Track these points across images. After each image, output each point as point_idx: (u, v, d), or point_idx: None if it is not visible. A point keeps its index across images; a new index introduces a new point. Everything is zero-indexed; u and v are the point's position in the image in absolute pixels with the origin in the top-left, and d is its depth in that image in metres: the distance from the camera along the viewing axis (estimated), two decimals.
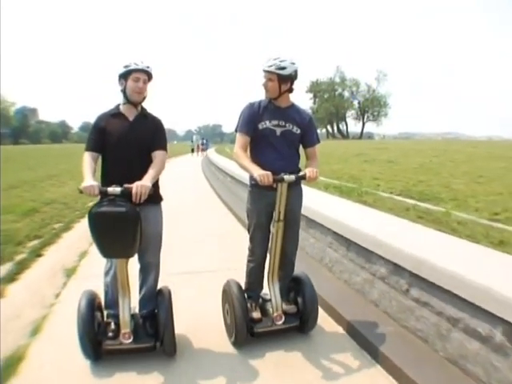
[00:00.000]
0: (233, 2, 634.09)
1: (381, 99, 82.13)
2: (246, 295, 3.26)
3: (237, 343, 3.12)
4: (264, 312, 3.28)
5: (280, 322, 3.12)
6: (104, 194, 2.66)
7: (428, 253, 3.07)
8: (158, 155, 2.94)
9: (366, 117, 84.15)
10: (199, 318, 3.60)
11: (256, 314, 3.20)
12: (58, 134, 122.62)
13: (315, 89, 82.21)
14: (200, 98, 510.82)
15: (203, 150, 36.56)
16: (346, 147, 27.13)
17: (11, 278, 4.63)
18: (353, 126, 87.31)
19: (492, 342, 2.43)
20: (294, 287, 3.36)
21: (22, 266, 5.05)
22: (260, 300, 3.41)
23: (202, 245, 6.20)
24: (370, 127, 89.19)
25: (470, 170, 11.65)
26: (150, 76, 2.94)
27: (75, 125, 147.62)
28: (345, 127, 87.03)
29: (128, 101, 2.94)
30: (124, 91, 2.92)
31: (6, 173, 15.21)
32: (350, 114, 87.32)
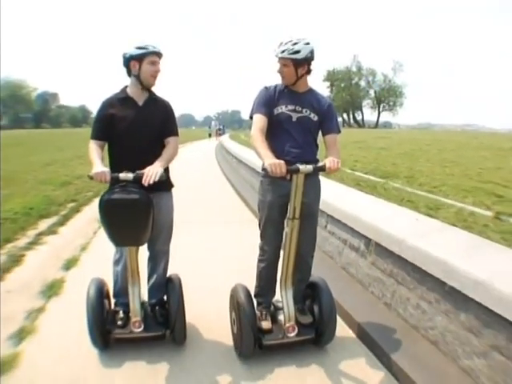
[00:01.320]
0: None
1: (397, 89, 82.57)
2: (255, 301, 3.03)
3: (242, 356, 2.88)
4: (275, 321, 3.00)
5: (293, 334, 2.82)
6: (116, 181, 2.58)
7: (342, 203, 4.68)
8: (171, 141, 2.90)
9: (381, 106, 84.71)
10: (207, 305, 3.61)
11: (266, 324, 2.92)
12: (79, 118, 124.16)
13: (332, 78, 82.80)
14: (219, 83, 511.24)
15: (220, 134, 41.14)
16: (351, 135, 28.41)
17: (61, 223, 6.44)
18: (370, 115, 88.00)
19: (359, 250, 4.04)
20: (310, 294, 3.09)
21: (66, 218, 6.86)
22: (271, 307, 3.14)
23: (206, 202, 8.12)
24: (389, 117, 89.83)
25: (449, 157, 12.97)
26: (161, 58, 2.87)
27: (95, 109, 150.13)
28: (361, 116, 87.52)
29: (142, 85, 2.83)
30: (138, 75, 2.79)
31: (40, 153, 17.51)
32: (366, 104, 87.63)
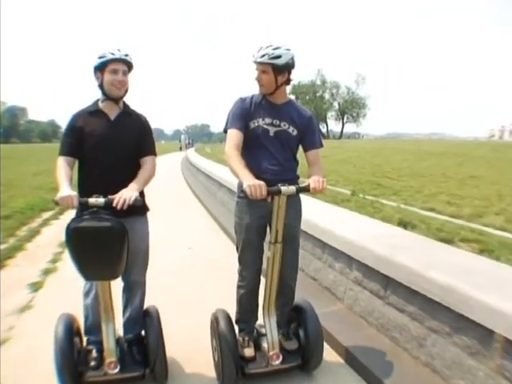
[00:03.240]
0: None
1: (360, 101, 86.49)
2: (237, 328, 2.90)
3: None
4: (258, 348, 2.86)
5: (277, 362, 2.70)
6: (85, 206, 2.32)
7: None
8: (147, 161, 2.67)
9: (345, 118, 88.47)
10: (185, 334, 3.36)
11: (248, 352, 2.78)
12: (48, 132, 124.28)
13: (297, 91, 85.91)
14: (189, 98, 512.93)
15: (190, 147, 44.30)
16: None
17: (59, 213, 8.68)
18: (335, 126, 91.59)
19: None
20: (295, 317, 2.96)
21: (62, 211, 9.05)
22: (254, 333, 2.98)
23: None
24: (354, 128, 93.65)
25: (377, 161, 15.78)
26: (130, 66, 2.60)
27: (64, 124, 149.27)
28: (325, 128, 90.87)
29: (107, 97, 2.61)
30: (101, 86, 2.57)
31: (27, 165, 19.79)
32: (331, 115, 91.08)
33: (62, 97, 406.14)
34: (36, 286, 4.52)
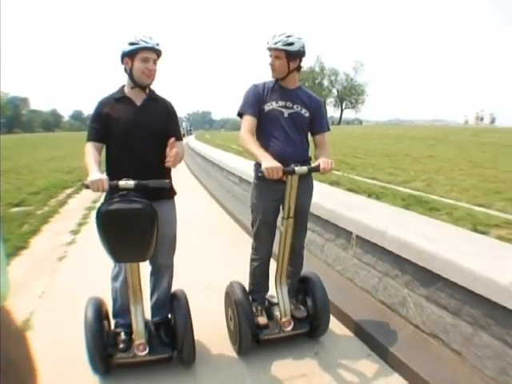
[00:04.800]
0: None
1: (358, 88, 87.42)
2: (250, 298, 3.05)
3: (241, 352, 2.93)
4: (270, 316, 3.04)
5: (289, 328, 2.90)
6: (115, 189, 2.33)
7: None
8: (176, 146, 2.57)
9: (344, 104, 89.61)
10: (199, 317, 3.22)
11: (262, 320, 2.96)
12: (51, 122, 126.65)
13: None
14: (190, 85, 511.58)
15: (190, 134, 46.62)
16: None
17: (78, 189, 10.39)
18: (333, 112, 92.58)
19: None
20: (303, 288, 3.15)
21: (71, 194, 10.73)
22: (266, 303, 3.18)
23: None
24: (363, 115, 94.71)
25: (355, 143, 17.35)
26: (159, 55, 2.60)
27: (66, 113, 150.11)
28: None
29: (135, 84, 2.60)
30: (130, 73, 2.56)
31: (39, 152, 21.68)
32: (329, 102, 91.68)
33: (63, 86, 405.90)
34: (75, 232, 6.33)
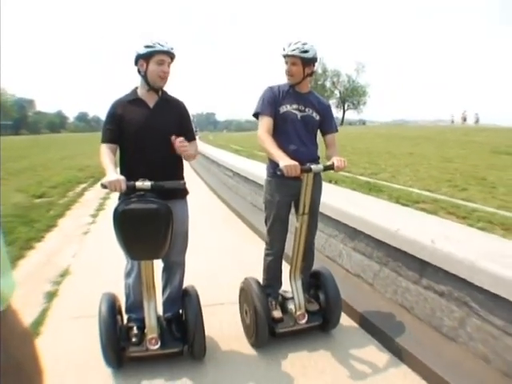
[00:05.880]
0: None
1: (360, 89, 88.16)
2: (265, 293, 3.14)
3: (257, 345, 3.04)
4: (284, 310, 3.16)
5: (303, 322, 3.02)
6: (131, 190, 2.41)
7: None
8: (191, 145, 2.78)
9: (346, 105, 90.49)
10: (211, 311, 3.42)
11: (277, 313, 3.08)
12: (56, 123, 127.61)
13: None
14: (194, 85, 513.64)
15: (196, 135, 47.92)
16: None
17: (92, 184, 11.65)
18: (336, 113, 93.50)
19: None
20: (315, 283, 3.29)
21: (93, 182, 12.02)
22: (279, 297, 3.28)
23: None
24: (367, 115, 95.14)
25: (346, 142, 18.44)
26: (173, 58, 2.68)
27: (71, 115, 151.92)
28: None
29: (150, 86, 2.67)
30: (145, 75, 2.62)
31: (51, 152, 23.10)
32: (332, 103, 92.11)
33: (68, 88, 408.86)
34: (94, 216, 7.62)
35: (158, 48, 2.56)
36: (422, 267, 3.21)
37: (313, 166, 2.77)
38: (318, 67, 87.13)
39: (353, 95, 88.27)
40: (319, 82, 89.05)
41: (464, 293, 2.80)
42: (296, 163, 2.67)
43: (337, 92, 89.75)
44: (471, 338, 2.74)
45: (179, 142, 2.59)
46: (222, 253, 5.35)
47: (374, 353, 3.04)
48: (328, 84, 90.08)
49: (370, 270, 3.91)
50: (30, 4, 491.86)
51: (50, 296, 3.98)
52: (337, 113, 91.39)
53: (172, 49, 2.63)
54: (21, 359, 1.15)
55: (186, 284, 3.03)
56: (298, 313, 3.02)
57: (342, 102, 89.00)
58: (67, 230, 6.56)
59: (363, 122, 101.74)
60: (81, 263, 4.99)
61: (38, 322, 3.43)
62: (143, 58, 2.60)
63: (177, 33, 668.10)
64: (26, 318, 3.23)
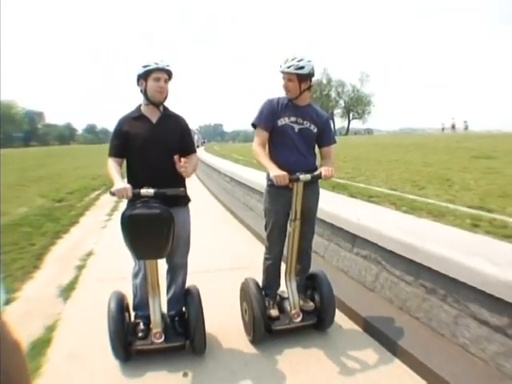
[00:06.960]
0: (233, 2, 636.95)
1: (364, 98, 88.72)
2: (263, 293, 3.32)
3: (255, 341, 3.21)
4: (281, 310, 3.33)
5: (298, 320, 3.18)
6: (137, 197, 2.67)
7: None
8: (191, 158, 3.06)
9: (351, 115, 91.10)
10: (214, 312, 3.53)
11: (274, 312, 3.26)
12: (66, 135, 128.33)
13: None
14: (202, 98, 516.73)
15: (203, 145, 49.40)
16: None
17: (105, 191, 12.87)
18: (341, 123, 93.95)
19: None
20: (311, 284, 3.45)
21: (99, 195, 13.10)
22: (277, 297, 3.46)
23: None
24: (373, 124, 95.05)
25: (342, 151, 19.38)
26: (170, 75, 2.89)
27: (79, 127, 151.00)
28: (332, 125, 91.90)
29: (150, 101, 2.90)
30: (145, 92, 2.87)
31: (64, 162, 24.95)
32: (337, 113, 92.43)
33: (76, 101, 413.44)
34: (109, 215, 8.88)
35: (154, 66, 2.82)
36: (353, 239, 4.37)
37: (301, 176, 2.94)
38: (322, 77, 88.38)
39: (357, 105, 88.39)
40: (324, 92, 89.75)
41: (378, 254, 3.93)
42: (285, 173, 2.86)
43: (342, 102, 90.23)
44: (382, 287, 3.85)
45: (183, 163, 2.92)
46: (220, 245, 6.50)
47: (344, 322, 3.61)
48: (333, 94, 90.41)
49: (322, 246, 5.04)
50: (37, 15, 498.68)
51: (80, 268, 5.26)
52: (342, 122, 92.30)
53: (168, 66, 2.88)
54: (9, 369, 1.19)
55: (188, 284, 3.29)
56: (293, 312, 3.21)
57: (347, 111, 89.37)
58: (88, 225, 7.85)
59: (370, 131, 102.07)
60: (101, 248, 6.24)
61: (73, 282, 4.77)
62: (142, 78, 2.87)
63: (177, 33, 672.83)
64: (64, 281, 4.62)
